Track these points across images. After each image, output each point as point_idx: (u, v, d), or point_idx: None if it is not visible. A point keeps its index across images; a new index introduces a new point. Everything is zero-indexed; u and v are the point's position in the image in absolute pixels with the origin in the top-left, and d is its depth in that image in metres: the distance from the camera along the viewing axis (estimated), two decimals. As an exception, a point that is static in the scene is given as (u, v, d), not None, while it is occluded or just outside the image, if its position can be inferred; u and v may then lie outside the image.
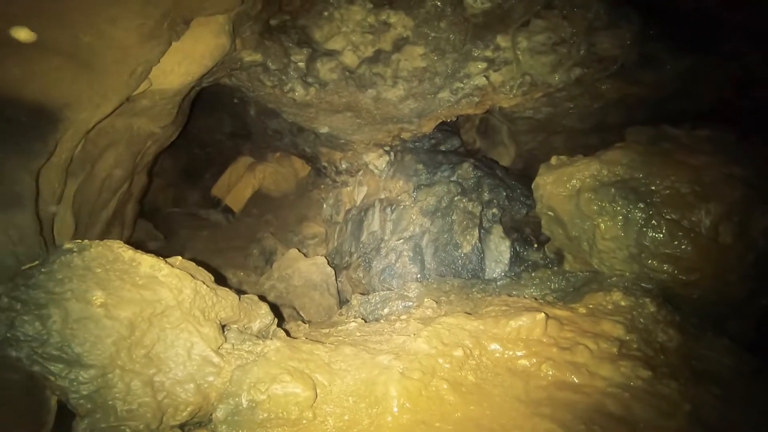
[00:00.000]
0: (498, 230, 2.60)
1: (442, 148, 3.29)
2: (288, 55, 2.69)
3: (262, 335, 1.66)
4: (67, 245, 1.34)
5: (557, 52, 2.54)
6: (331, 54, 2.68)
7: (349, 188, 3.51)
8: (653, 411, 1.30)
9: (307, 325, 2.18)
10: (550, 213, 2.24)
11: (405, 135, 3.13)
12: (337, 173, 3.60)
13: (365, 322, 2.04)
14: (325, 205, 3.77)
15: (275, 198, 4.68)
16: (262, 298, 1.74)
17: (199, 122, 3.87)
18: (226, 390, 1.33)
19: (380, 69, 2.68)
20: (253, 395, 1.30)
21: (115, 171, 2.32)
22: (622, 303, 1.73)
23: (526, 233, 2.63)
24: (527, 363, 1.46)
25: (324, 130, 3.14)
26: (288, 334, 1.80)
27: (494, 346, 1.50)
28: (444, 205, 2.73)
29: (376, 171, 3.24)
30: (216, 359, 1.37)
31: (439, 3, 2.46)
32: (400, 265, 2.68)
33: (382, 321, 2.02)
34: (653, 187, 1.97)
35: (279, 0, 2.50)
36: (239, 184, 4.48)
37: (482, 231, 2.59)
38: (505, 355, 1.49)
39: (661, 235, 1.89)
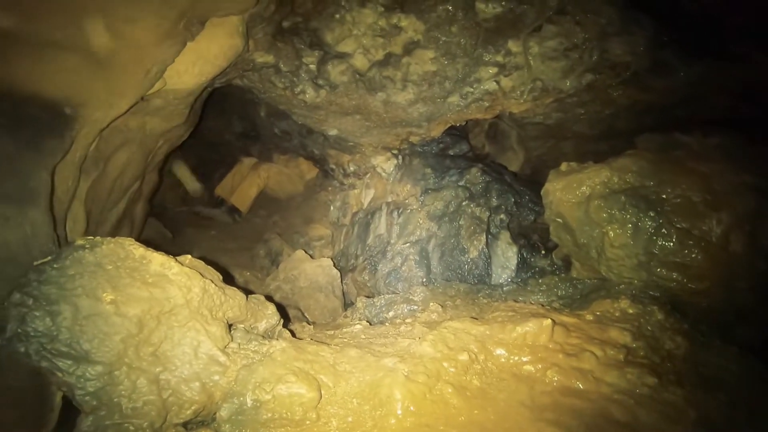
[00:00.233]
0: (505, 236, 2.60)
1: (451, 152, 3.29)
2: (300, 57, 2.71)
3: (268, 335, 1.67)
4: (79, 242, 1.36)
5: (569, 57, 2.54)
6: (342, 56, 2.70)
7: (356, 191, 3.52)
8: (659, 417, 1.29)
9: (312, 326, 2.18)
10: (558, 219, 2.23)
11: (413, 139, 3.13)
12: (345, 176, 3.62)
13: (370, 324, 2.04)
14: (332, 208, 3.78)
15: (281, 200, 4.70)
16: (269, 298, 1.75)
17: (209, 122, 3.91)
18: (231, 389, 1.34)
19: (390, 72, 2.69)
20: (257, 395, 1.30)
21: (127, 170, 2.36)
22: (630, 310, 1.72)
23: (533, 239, 2.62)
24: (533, 368, 1.45)
25: (333, 132, 3.16)
26: (293, 334, 1.81)
27: (500, 351, 1.50)
28: (451, 209, 2.73)
29: (383, 174, 3.25)
30: (222, 358, 1.37)
31: (450, 7, 2.47)
32: (406, 269, 2.68)
33: (387, 324, 2.02)
34: (664, 195, 1.96)
35: (292, 2, 2.53)
36: (244, 183, 4.50)
37: (489, 236, 2.59)
38: (511, 361, 1.48)
39: (671, 244, 1.88)
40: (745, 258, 1.80)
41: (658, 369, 1.45)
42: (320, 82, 2.77)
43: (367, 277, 2.89)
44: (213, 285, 1.45)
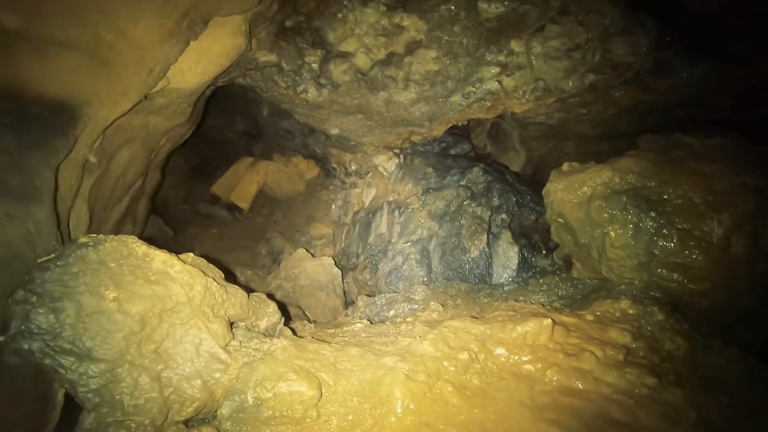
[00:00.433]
0: (506, 236, 2.60)
1: (452, 152, 3.30)
2: (302, 56, 2.71)
3: (269, 333, 1.68)
4: (83, 239, 1.36)
5: (572, 57, 2.54)
6: (344, 56, 2.70)
7: (357, 190, 3.53)
8: (658, 418, 1.29)
9: (313, 324, 2.19)
10: (559, 220, 2.24)
11: (415, 138, 3.14)
12: (347, 175, 3.62)
13: (371, 323, 2.05)
14: (333, 207, 3.79)
15: (280, 199, 4.70)
16: (270, 296, 1.76)
17: (211, 121, 3.93)
18: (232, 387, 1.35)
19: (392, 72, 2.69)
20: (259, 393, 1.31)
21: (130, 168, 2.37)
22: (630, 311, 1.73)
23: (534, 239, 2.63)
24: (532, 368, 1.46)
25: (335, 131, 3.17)
26: (294, 333, 1.81)
27: (500, 350, 1.51)
28: (453, 209, 2.74)
29: (385, 173, 3.25)
30: (224, 356, 1.38)
31: (453, 7, 2.46)
32: (406, 268, 2.69)
33: (387, 323, 2.02)
34: (665, 196, 1.96)
35: (294, 1, 2.53)
36: (243, 180, 4.49)
37: (491, 236, 2.59)
38: (511, 360, 1.49)
39: (672, 245, 1.88)
40: (746, 259, 1.80)
41: (657, 369, 1.46)
42: (322, 81, 2.78)
43: (368, 276, 2.89)
44: (215, 283, 1.46)
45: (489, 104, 2.81)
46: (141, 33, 1.71)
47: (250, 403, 1.31)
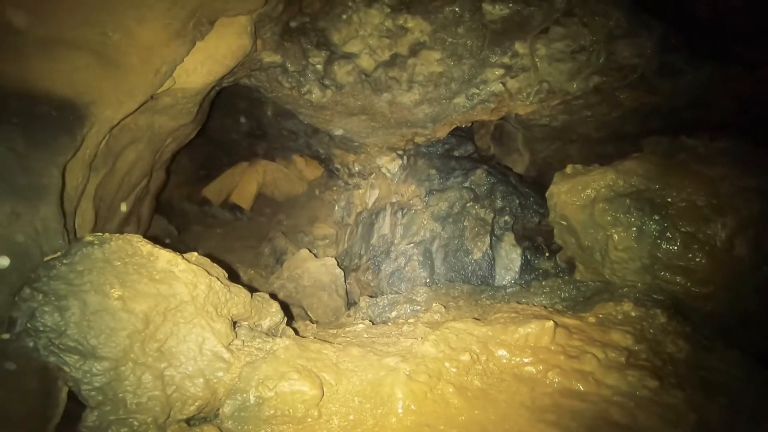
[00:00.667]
0: (510, 238, 2.60)
1: (456, 153, 3.30)
2: (306, 56, 2.73)
3: (272, 333, 1.69)
4: (88, 238, 1.38)
5: (576, 59, 2.53)
6: (349, 57, 2.71)
7: (361, 191, 3.53)
8: (658, 420, 1.29)
9: (315, 325, 2.20)
10: (563, 222, 2.23)
11: (419, 139, 3.14)
12: (350, 175, 3.63)
13: (373, 324, 2.06)
14: (336, 207, 3.80)
15: (278, 201, 4.70)
16: (273, 296, 1.77)
17: (216, 121, 3.94)
18: (234, 386, 1.35)
19: (396, 73, 2.70)
20: (260, 392, 1.32)
21: (136, 167, 2.38)
22: (633, 313, 1.72)
23: (537, 242, 2.62)
24: (534, 370, 1.46)
25: (338, 132, 3.18)
26: (297, 333, 1.82)
27: (501, 352, 1.51)
28: (456, 210, 2.74)
29: (388, 174, 3.26)
30: (226, 355, 1.39)
31: (457, 9, 2.47)
32: (409, 269, 2.69)
33: (389, 324, 2.03)
34: (669, 199, 1.96)
35: (300, 2, 2.54)
36: (243, 180, 4.49)
37: (493, 238, 2.59)
38: (512, 362, 1.49)
39: (676, 248, 1.88)
40: (749, 262, 1.80)
41: (659, 372, 1.46)
42: (326, 82, 2.79)
43: (370, 277, 2.90)
44: (218, 282, 1.47)
45: (493, 106, 2.81)
46: (148, 33, 1.73)
47: (252, 402, 1.32)
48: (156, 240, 1.48)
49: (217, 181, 4.54)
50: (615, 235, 1.98)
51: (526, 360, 1.49)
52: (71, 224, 1.70)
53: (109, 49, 1.65)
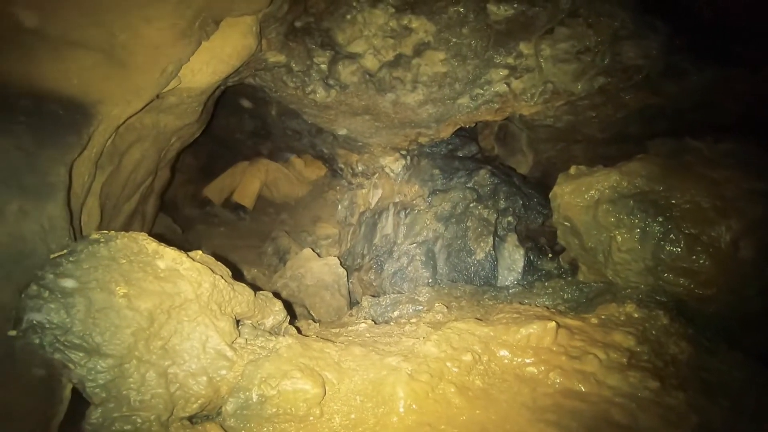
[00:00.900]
0: (512, 238, 2.60)
1: (460, 153, 3.30)
2: (311, 56, 2.73)
3: (275, 332, 1.70)
4: (94, 236, 1.39)
5: (581, 60, 2.53)
6: (353, 57, 2.72)
7: (364, 191, 3.54)
8: (659, 421, 1.29)
9: (318, 324, 2.21)
10: (566, 223, 2.23)
11: (422, 139, 3.14)
12: (353, 175, 3.64)
13: (375, 323, 2.06)
14: (339, 207, 3.81)
15: (277, 202, 4.69)
16: (276, 295, 1.78)
17: (221, 121, 3.96)
18: (237, 384, 1.36)
19: (400, 73, 2.70)
20: (263, 390, 1.32)
21: (141, 166, 2.40)
22: (635, 315, 1.72)
23: (540, 242, 2.62)
24: (535, 370, 1.46)
25: (342, 132, 3.18)
26: (299, 331, 1.83)
27: (503, 352, 1.51)
28: (459, 211, 2.74)
29: (391, 174, 3.26)
30: (229, 353, 1.40)
31: (461, 9, 2.47)
32: (411, 269, 2.70)
33: (391, 323, 2.04)
34: (673, 201, 1.95)
35: (305, 2, 2.55)
36: (245, 179, 4.49)
37: (496, 239, 2.59)
38: (514, 362, 1.49)
39: (679, 249, 1.87)
40: (753, 265, 1.79)
41: (661, 373, 1.46)
42: (331, 82, 2.80)
43: (372, 277, 2.91)
44: (222, 281, 1.48)
45: (497, 106, 2.80)
46: (154, 33, 1.74)
47: (254, 400, 1.32)
48: (161, 238, 1.49)
49: (217, 181, 4.54)
50: (618, 237, 1.98)
51: (527, 360, 1.49)
52: (77, 222, 1.72)
53: (116, 48, 1.66)
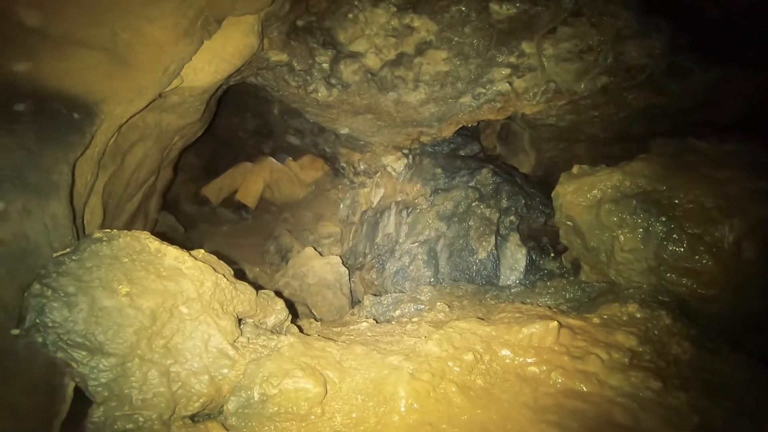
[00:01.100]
0: (515, 238, 2.59)
1: (462, 153, 3.29)
2: (313, 55, 2.74)
3: (277, 330, 1.70)
4: (97, 234, 1.39)
5: (583, 59, 2.52)
6: (355, 56, 2.71)
7: (366, 189, 3.54)
8: (661, 422, 1.29)
9: (319, 323, 2.21)
10: (568, 222, 2.23)
11: (424, 138, 3.14)
12: (355, 174, 3.64)
13: (376, 322, 2.06)
14: (341, 206, 3.81)
15: (278, 204, 4.70)
16: (278, 294, 1.78)
17: (223, 120, 3.97)
18: (239, 383, 1.36)
19: (402, 72, 2.70)
20: (265, 389, 1.32)
21: (143, 164, 2.41)
22: (638, 315, 1.72)
23: (543, 242, 2.62)
24: (537, 370, 1.46)
25: (344, 131, 3.18)
26: (301, 330, 1.83)
27: (505, 351, 1.51)
28: (461, 210, 2.74)
29: (393, 173, 3.26)
30: (231, 352, 1.40)
31: (464, 8, 2.46)
32: (413, 268, 2.70)
33: (393, 322, 2.04)
34: (676, 201, 1.94)
35: (306, 1, 2.55)
36: (249, 178, 4.50)
37: (499, 238, 2.59)
38: (516, 362, 1.49)
39: (682, 249, 1.86)
40: (756, 265, 1.78)
41: (663, 373, 1.45)
42: (333, 81, 2.80)
43: (374, 276, 2.91)
44: (225, 279, 1.48)
45: (499, 105, 2.80)
46: (157, 32, 1.74)
47: (256, 399, 1.32)
48: (163, 237, 1.49)
49: (216, 181, 4.55)
50: (621, 236, 1.97)
51: (529, 360, 1.49)
52: (80, 221, 1.73)
53: (119, 47, 1.67)
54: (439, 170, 3.01)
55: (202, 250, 1.56)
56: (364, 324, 1.98)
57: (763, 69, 2.22)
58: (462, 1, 2.44)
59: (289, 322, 1.76)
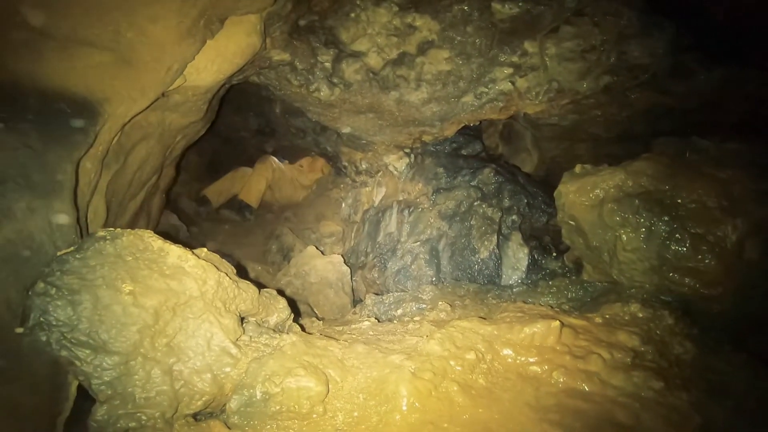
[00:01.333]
0: (517, 237, 2.59)
1: (464, 152, 3.29)
2: (315, 55, 2.74)
3: (279, 329, 1.70)
4: (101, 233, 1.40)
5: (586, 59, 2.51)
6: (357, 55, 2.72)
7: (368, 188, 3.54)
8: (662, 422, 1.29)
9: (321, 321, 2.22)
10: (571, 222, 2.22)
11: (426, 138, 3.14)
12: (357, 173, 3.64)
13: (378, 321, 2.07)
14: (343, 205, 3.81)
15: (278, 204, 4.71)
16: (280, 292, 1.79)
17: (225, 119, 3.98)
18: (241, 381, 1.36)
19: (404, 71, 2.70)
20: (267, 387, 1.33)
21: (146, 163, 2.41)
22: (640, 314, 1.72)
23: (545, 241, 2.61)
24: (539, 369, 1.46)
25: (346, 130, 3.19)
26: (303, 329, 1.84)
27: (507, 351, 1.51)
28: (463, 209, 2.74)
29: (395, 172, 3.26)
30: (234, 350, 1.40)
31: (466, 7, 2.46)
32: (415, 267, 2.70)
33: (395, 321, 2.04)
34: (679, 200, 1.94)
35: (308, 0, 2.56)
36: (252, 178, 4.51)
37: (501, 237, 2.58)
38: (518, 361, 1.49)
39: (685, 249, 1.86)
40: (759, 265, 1.78)
41: (665, 373, 1.45)
42: (335, 80, 2.80)
43: (376, 275, 2.91)
44: (227, 278, 1.48)
45: (502, 105, 2.80)
46: (160, 31, 1.75)
47: (258, 397, 1.33)
48: (166, 235, 1.50)
49: (217, 183, 4.55)
50: (623, 236, 1.97)
51: (531, 359, 1.49)
52: (84, 220, 1.74)
53: (122, 47, 1.67)
54: (441, 169, 3.01)
55: (205, 249, 1.57)
56: (366, 323, 1.98)
57: (767, 68, 2.22)
58: (464, 0, 2.43)
59: (292, 321, 1.76)
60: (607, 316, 1.74)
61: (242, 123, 4.60)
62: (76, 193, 1.57)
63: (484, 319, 1.68)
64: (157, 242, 1.42)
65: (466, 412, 1.30)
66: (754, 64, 2.23)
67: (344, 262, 3.07)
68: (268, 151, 4.80)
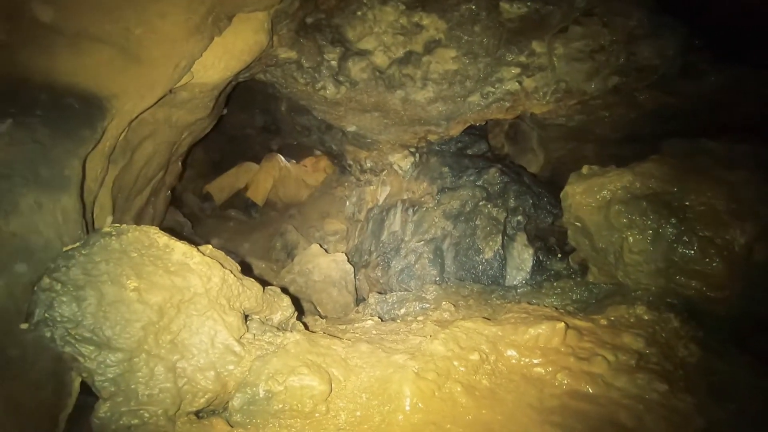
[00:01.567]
0: (522, 238, 2.58)
1: (469, 152, 3.28)
2: (321, 53, 2.74)
3: (283, 327, 1.70)
4: (106, 229, 1.40)
5: (595, 59, 2.50)
6: (363, 54, 2.71)
7: (372, 187, 3.54)
8: (666, 424, 1.28)
9: (324, 320, 2.22)
10: (577, 223, 2.21)
11: (432, 137, 3.13)
12: (362, 172, 3.64)
13: (381, 321, 2.07)
14: (348, 203, 3.81)
15: (281, 204, 4.72)
16: (284, 290, 1.79)
17: (231, 116, 3.98)
18: (244, 379, 1.36)
19: (410, 70, 2.69)
20: (270, 386, 1.33)
21: (153, 160, 2.42)
22: (645, 317, 1.71)
23: (550, 242, 2.60)
24: (543, 371, 1.45)
25: (351, 128, 3.18)
26: (306, 327, 1.84)
27: (511, 352, 1.50)
28: (468, 209, 2.73)
29: (400, 171, 3.26)
30: (237, 348, 1.40)
31: (474, 7, 2.45)
32: (419, 267, 2.69)
33: (398, 321, 2.04)
34: (687, 202, 1.92)
35: (315, -1, 2.56)
36: (259, 176, 4.52)
37: (506, 238, 2.57)
38: (521, 362, 1.49)
39: (692, 252, 1.85)
40: (767, 269, 1.76)
41: (669, 376, 1.44)
42: (341, 78, 2.80)
43: (379, 274, 2.91)
44: (232, 275, 1.48)
45: (508, 105, 2.78)
46: (169, 28, 1.75)
47: (261, 395, 1.33)
48: (171, 232, 1.50)
49: (220, 179, 4.57)
50: (630, 238, 1.96)
51: (535, 361, 1.48)
52: (90, 215, 1.74)
53: (131, 43, 1.67)
54: (446, 169, 3.00)
55: (210, 246, 1.57)
56: (369, 322, 1.98)
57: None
58: (472, -1, 2.42)
59: (295, 319, 1.76)
60: (612, 318, 1.73)
61: (248, 120, 4.61)
62: (83, 188, 1.58)
63: (488, 319, 1.68)
64: (162, 238, 1.43)
65: (469, 413, 1.30)
66: (764, 65, 2.20)
67: (348, 260, 3.07)
68: (274, 148, 4.81)
